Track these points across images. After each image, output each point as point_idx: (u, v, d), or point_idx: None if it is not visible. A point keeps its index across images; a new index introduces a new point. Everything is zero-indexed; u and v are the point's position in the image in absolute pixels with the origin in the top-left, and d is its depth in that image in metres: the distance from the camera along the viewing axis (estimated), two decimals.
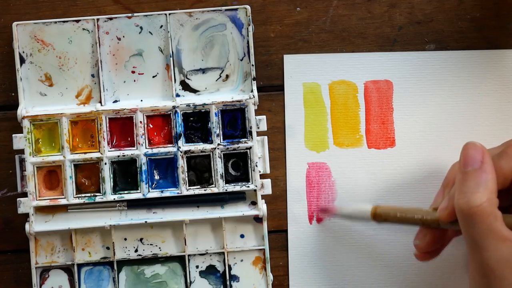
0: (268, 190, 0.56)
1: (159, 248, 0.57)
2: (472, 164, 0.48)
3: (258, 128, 0.56)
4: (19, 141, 0.55)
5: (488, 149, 0.51)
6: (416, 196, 0.57)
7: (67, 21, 0.56)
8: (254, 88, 0.56)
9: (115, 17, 0.56)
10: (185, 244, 0.56)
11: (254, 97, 0.56)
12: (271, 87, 0.58)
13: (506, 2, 0.58)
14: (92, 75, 0.56)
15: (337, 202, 0.57)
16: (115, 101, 0.56)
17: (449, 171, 0.54)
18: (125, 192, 0.56)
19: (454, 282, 0.57)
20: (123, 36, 0.56)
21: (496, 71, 0.58)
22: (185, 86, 0.57)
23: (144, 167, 0.56)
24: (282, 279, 0.58)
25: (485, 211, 0.46)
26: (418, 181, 0.57)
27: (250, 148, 0.56)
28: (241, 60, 0.57)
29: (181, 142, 0.56)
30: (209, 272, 0.57)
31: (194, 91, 0.57)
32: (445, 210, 0.50)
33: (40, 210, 0.56)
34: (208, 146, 0.56)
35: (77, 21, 0.56)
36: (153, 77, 0.57)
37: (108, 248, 0.57)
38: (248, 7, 0.56)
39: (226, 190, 0.56)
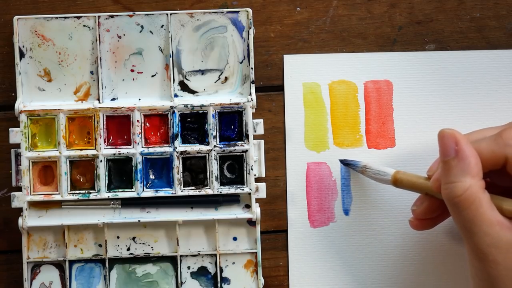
0: (262, 194, 0.56)
1: (152, 247, 0.57)
2: (448, 153, 0.48)
3: (255, 131, 0.56)
4: (15, 135, 0.55)
5: (488, 128, 0.51)
6: (416, 195, 0.57)
7: (68, 17, 0.56)
8: (253, 91, 0.56)
9: (116, 15, 0.56)
10: (178, 245, 0.56)
11: (252, 100, 0.56)
12: (271, 87, 0.58)
13: (506, 2, 0.58)
14: (91, 72, 0.56)
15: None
16: (113, 99, 0.56)
17: None
18: (120, 190, 0.56)
19: (454, 282, 0.57)
20: (124, 35, 0.56)
21: (496, 71, 0.58)
22: (184, 87, 0.57)
23: (139, 166, 0.56)
24: (282, 279, 0.58)
25: (469, 199, 0.47)
26: None
27: (246, 151, 0.56)
28: (241, 63, 0.57)
29: (177, 142, 0.56)
30: (200, 273, 0.57)
31: (192, 92, 0.57)
32: (437, 182, 0.50)
33: (34, 205, 0.56)
34: (204, 148, 0.56)
35: (78, 17, 0.56)
36: (152, 76, 0.57)
37: (100, 245, 0.57)
38: (249, 10, 0.56)
39: (220, 192, 0.56)
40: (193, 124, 0.56)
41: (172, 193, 0.56)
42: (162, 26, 0.56)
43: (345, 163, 0.57)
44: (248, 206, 0.56)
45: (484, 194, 0.47)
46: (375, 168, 0.55)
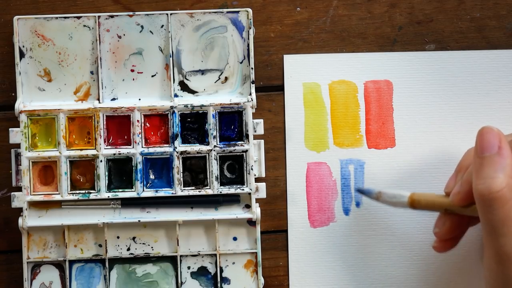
0: (262, 194, 0.56)
1: (152, 247, 0.57)
2: (490, 149, 0.47)
3: (255, 131, 0.56)
4: (15, 135, 0.55)
5: (506, 134, 0.50)
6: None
7: (68, 17, 0.56)
8: (253, 91, 0.56)
9: (117, 15, 0.56)
10: (178, 245, 0.56)
11: (252, 100, 0.56)
12: (271, 87, 0.58)
13: (506, 2, 0.58)
14: (91, 72, 0.57)
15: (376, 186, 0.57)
16: (113, 99, 0.56)
17: (463, 156, 0.53)
18: (120, 190, 0.56)
19: (455, 282, 0.57)
20: (124, 35, 0.56)
21: (496, 71, 0.58)
22: (184, 87, 0.57)
23: (139, 166, 0.56)
24: (282, 279, 0.58)
25: (505, 197, 0.46)
26: (418, 181, 0.57)
27: (246, 151, 0.56)
28: (241, 63, 0.57)
29: (177, 142, 0.56)
30: (200, 273, 0.57)
31: (192, 92, 0.57)
32: (458, 195, 0.50)
33: (34, 205, 0.56)
34: (204, 148, 0.56)
35: (78, 17, 0.56)
36: (152, 76, 0.57)
37: (100, 245, 0.57)
38: (249, 10, 0.56)
39: (220, 192, 0.56)
40: (193, 124, 0.56)
41: (172, 193, 0.56)
42: (162, 26, 0.56)
43: (360, 191, 0.56)
44: (248, 206, 0.56)
45: None
46: (390, 192, 0.54)
